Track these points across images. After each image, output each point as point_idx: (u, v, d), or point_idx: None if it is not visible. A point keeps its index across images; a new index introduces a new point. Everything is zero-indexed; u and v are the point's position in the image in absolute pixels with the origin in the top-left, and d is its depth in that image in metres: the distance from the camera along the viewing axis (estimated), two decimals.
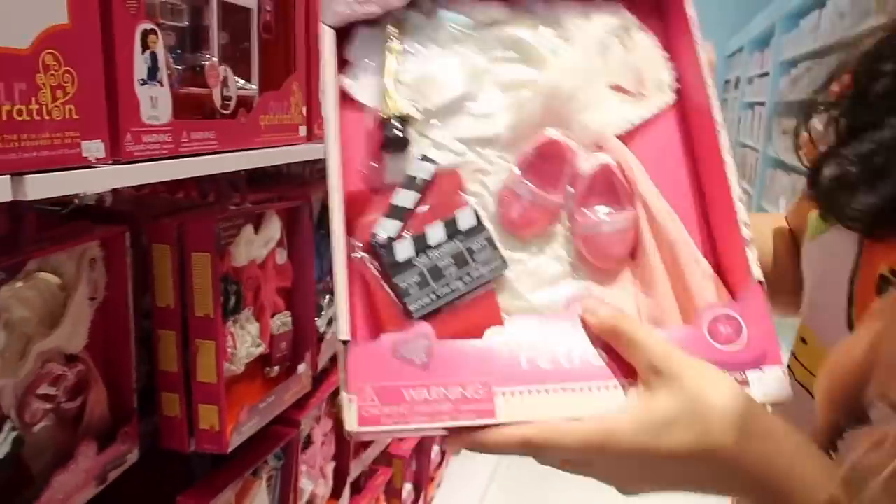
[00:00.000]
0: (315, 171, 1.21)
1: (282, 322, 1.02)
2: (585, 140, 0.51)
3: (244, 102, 0.80)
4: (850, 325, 0.49)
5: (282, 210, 1.00)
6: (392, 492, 1.60)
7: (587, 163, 0.50)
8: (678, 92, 0.53)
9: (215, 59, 0.75)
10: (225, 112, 0.76)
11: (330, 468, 1.28)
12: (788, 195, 4.49)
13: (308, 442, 1.17)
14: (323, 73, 0.47)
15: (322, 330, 1.12)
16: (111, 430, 0.81)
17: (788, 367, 0.55)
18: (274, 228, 0.97)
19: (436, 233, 0.47)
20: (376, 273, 0.46)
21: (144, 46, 0.59)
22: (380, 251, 0.46)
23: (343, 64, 0.51)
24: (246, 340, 0.93)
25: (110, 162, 0.57)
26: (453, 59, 0.50)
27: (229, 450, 0.87)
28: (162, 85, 0.62)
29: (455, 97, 0.50)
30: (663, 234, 0.48)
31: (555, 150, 0.49)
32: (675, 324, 0.46)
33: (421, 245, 0.46)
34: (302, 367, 1.04)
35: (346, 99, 0.51)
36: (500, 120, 0.50)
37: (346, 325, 0.42)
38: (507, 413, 0.41)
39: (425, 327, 0.42)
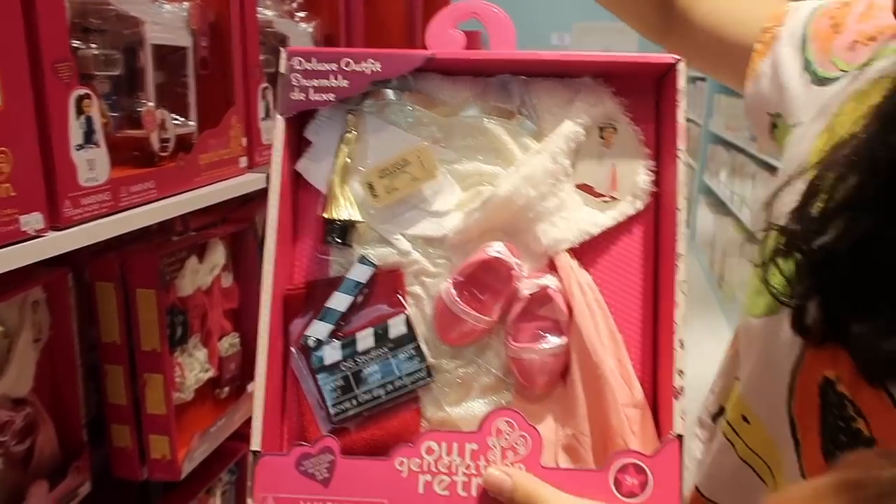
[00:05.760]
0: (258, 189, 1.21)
1: (230, 344, 1.03)
2: (537, 251, 0.49)
3: (183, 141, 0.81)
4: (790, 416, 0.48)
5: (226, 234, 1.01)
6: None
7: (527, 284, 0.48)
8: (653, 195, 0.50)
9: (151, 105, 0.75)
10: (163, 154, 0.77)
11: None
12: (728, 169, 4.63)
13: None
14: (272, 161, 0.48)
15: None
16: (62, 465, 0.82)
17: (728, 440, 0.56)
18: (218, 255, 0.98)
19: (365, 339, 0.48)
20: (306, 373, 0.48)
21: (79, 112, 0.60)
22: (308, 353, 0.47)
23: (305, 142, 0.51)
24: (194, 367, 0.95)
25: (49, 231, 0.58)
26: (412, 149, 0.49)
27: (182, 476, 0.89)
28: (98, 146, 0.63)
29: (407, 191, 0.49)
30: (591, 368, 0.47)
31: (496, 266, 0.49)
32: (588, 458, 0.47)
33: (349, 350, 0.48)
34: (251, 386, 1.06)
35: (303, 180, 0.51)
36: (449, 221, 0.50)
37: (259, 437, 0.44)
38: None
39: (331, 442, 0.44)
